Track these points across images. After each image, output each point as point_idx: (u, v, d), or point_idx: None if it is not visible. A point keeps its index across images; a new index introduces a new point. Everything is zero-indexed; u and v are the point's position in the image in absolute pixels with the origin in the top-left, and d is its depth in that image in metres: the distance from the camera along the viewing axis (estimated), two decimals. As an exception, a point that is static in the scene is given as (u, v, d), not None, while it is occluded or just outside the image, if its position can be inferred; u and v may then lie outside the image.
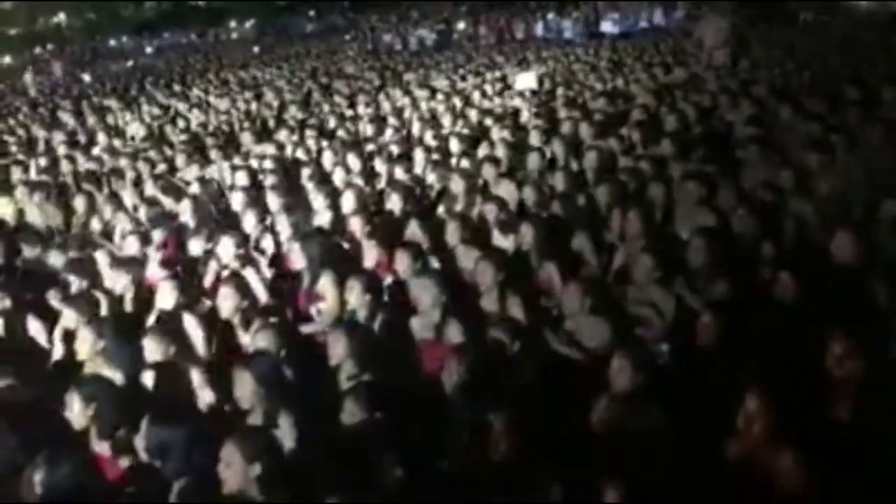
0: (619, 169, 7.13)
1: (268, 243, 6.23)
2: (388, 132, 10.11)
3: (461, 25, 31.24)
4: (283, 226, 6.36)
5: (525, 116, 10.48)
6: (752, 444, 3.17)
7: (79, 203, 7.77)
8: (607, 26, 27.58)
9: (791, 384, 3.33)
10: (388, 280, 5.40)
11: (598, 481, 3.00)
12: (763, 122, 8.19)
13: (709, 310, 4.08)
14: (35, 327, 5.24)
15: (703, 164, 6.84)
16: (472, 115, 10.61)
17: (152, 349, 4.43)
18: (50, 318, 5.27)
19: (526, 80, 13.27)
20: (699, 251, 4.86)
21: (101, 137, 12.22)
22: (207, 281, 5.77)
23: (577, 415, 3.70)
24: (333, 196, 6.99)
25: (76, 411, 3.74)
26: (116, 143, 11.65)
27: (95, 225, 7.26)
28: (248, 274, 5.48)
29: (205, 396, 4.28)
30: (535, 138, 8.43)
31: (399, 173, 7.70)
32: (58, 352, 5.08)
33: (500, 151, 7.94)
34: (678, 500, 3.07)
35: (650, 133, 8.16)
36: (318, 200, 6.97)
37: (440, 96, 12.72)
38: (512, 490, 3.16)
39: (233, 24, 47.18)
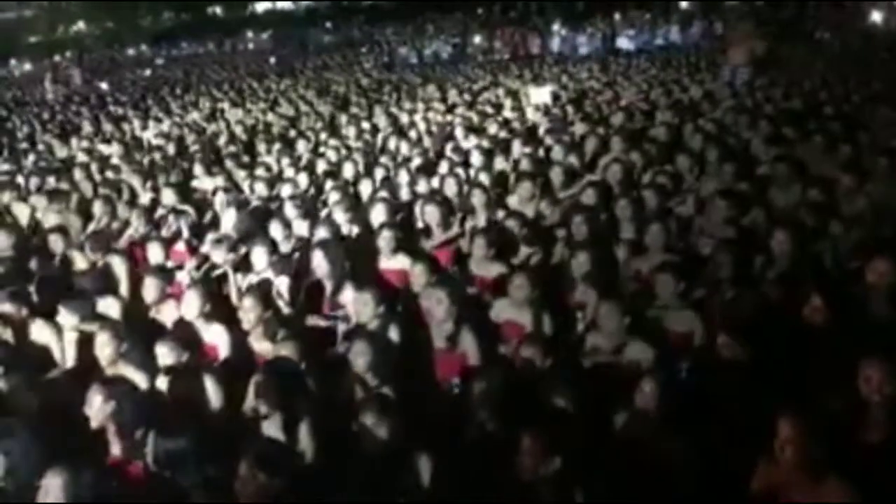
0: (641, 184, 7.09)
1: (290, 252, 6.20)
2: (406, 145, 10.09)
3: (476, 39, 31.33)
4: (304, 235, 6.35)
5: (542, 131, 10.46)
6: (786, 470, 3.09)
7: (98, 209, 7.77)
8: (623, 42, 27.64)
9: (824, 409, 3.26)
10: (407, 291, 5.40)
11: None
12: (786, 141, 8.15)
13: (729, 329, 4.02)
14: (47, 333, 5.21)
15: (733, 181, 6.78)
16: (492, 128, 10.59)
17: (164, 355, 4.44)
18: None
19: (540, 95, 13.30)
20: (723, 267, 4.81)
21: (119, 145, 12.27)
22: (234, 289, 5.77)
23: (605, 434, 3.64)
24: (356, 207, 6.98)
25: (96, 409, 3.72)
26: (134, 151, 11.69)
27: (115, 231, 7.24)
28: (281, 282, 5.46)
29: (219, 403, 4.25)
30: (557, 153, 8.40)
31: (422, 185, 7.66)
32: (70, 356, 5.07)
33: (524, 165, 7.91)
34: None
35: (670, 149, 8.13)
36: (340, 212, 6.95)
37: (458, 110, 12.75)
38: None
39: (250, 34, 47.50)
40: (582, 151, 8.40)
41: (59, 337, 5.13)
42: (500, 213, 6.56)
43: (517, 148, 9.01)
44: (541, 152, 8.93)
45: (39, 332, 5.19)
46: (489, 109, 12.81)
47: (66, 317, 5.11)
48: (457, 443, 3.76)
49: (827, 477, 3.00)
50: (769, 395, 3.60)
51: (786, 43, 18.94)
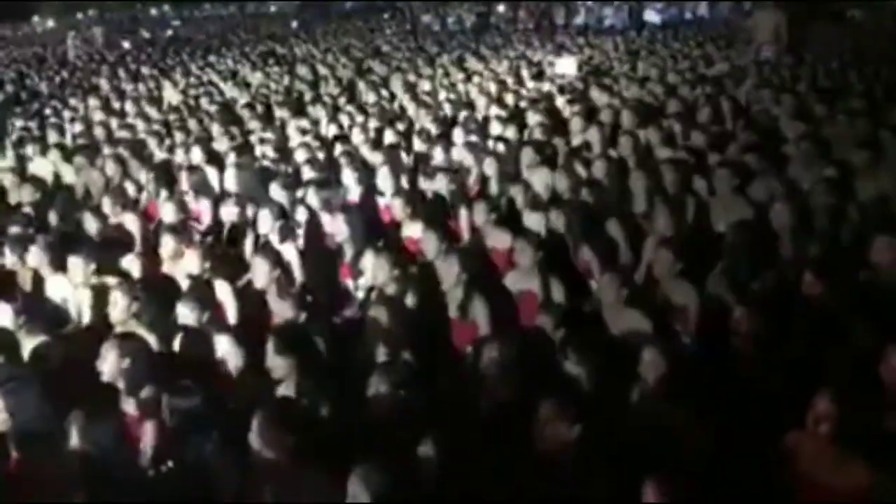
0: (656, 159, 7.04)
1: (301, 216, 6.21)
2: (423, 112, 10.07)
3: (500, 9, 31.03)
4: (316, 200, 6.37)
5: (560, 102, 10.40)
6: (816, 446, 3.08)
7: (110, 168, 7.82)
8: (650, 16, 27.24)
9: (856, 388, 3.22)
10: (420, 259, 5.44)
11: (639, 477, 2.92)
12: (808, 118, 8.05)
13: (742, 305, 4.01)
14: (66, 288, 5.27)
15: (741, 154, 6.73)
16: (509, 98, 10.54)
17: (185, 315, 4.45)
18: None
19: (566, 65, 13.17)
20: (734, 244, 4.78)
21: (138, 104, 12.32)
22: (245, 250, 5.81)
23: (616, 406, 3.64)
24: (366, 173, 6.99)
25: (110, 364, 3.77)
26: (152, 110, 11.72)
27: (130, 189, 7.29)
28: (286, 246, 5.50)
29: (234, 363, 4.29)
30: (576, 124, 8.36)
31: (438, 154, 7.64)
32: (86, 311, 5.14)
33: (537, 135, 7.87)
34: (718, 498, 2.99)
35: (688, 124, 8.06)
36: (349, 176, 6.97)
37: (476, 79, 12.67)
38: (555, 480, 3.10)
39: (272, -3, 47.28)
40: (602, 124, 8.33)
41: (76, 291, 5.20)
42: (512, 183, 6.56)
43: (532, 118, 8.97)
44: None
45: (58, 285, 5.26)
46: (509, 79, 12.74)
47: (75, 268, 5.16)
48: (471, 411, 3.77)
49: (855, 457, 2.98)
50: (785, 373, 3.60)
51: (815, 21, 18.59)
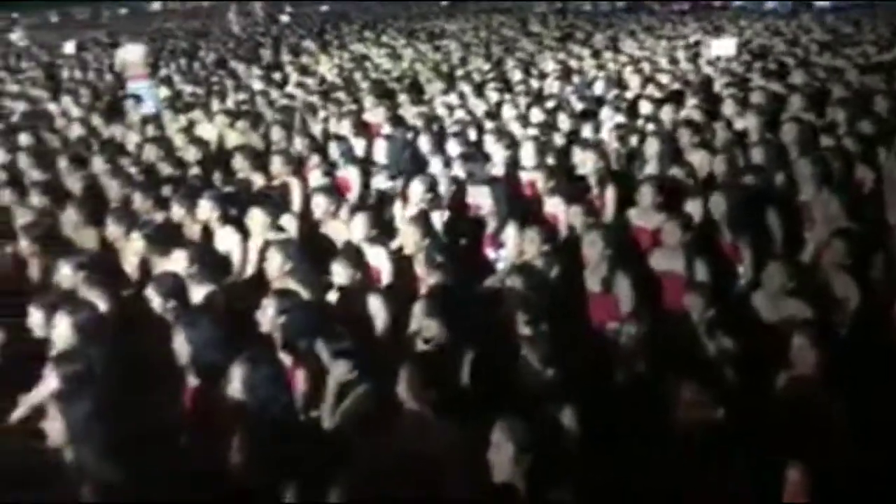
0: (822, 146, 6.69)
1: (448, 188, 6.35)
2: (571, 90, 9.99)
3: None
4: (464, 173, 6.50)
5: (717, 85, 10.04)
6: None
7: (275, 134, 8.25)
8: (819, -3, 25.51)
9: None
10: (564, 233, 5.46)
11: (781, 463, 2.85)
12: None
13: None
14: (232, 241, 5.61)
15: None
16: (663, 79, 10.28)
17: (339, 273, 4.66)
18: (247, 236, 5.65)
19: (723, 47, 12.64)
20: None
21: (295, 76, 12.89)
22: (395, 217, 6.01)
23: (762, 392, 3.56)
24: (512, 147, 7.05)
25: (268, 317, 3.97)
26: (309, 81, 12.23)
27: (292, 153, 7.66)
28: (435, 216, 5.65)
29: (382, 322, 4.49)
30: (728, 108, 8.07)
31: (587, 131, 7.59)
32: (252, 263, 5.47)
33: (693, 117, 7.66)
34: (861, 488, 2.89)
35: (856, 112, 7.59)
36: (496, 151, 7.04)
37: (626, 58, 12.42)
38: (693, 462, 3.07)
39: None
40: (761, 108, 7.98)
41: (242, 244, 5.54)
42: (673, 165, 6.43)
43: (687, 100, 8.72)
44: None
45: (226, 237, 5.61)
46: (663, 60, 12.41)
47: (256, 218, 5.49)
48: (607, 387, 3.78)
49: None
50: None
51: None
